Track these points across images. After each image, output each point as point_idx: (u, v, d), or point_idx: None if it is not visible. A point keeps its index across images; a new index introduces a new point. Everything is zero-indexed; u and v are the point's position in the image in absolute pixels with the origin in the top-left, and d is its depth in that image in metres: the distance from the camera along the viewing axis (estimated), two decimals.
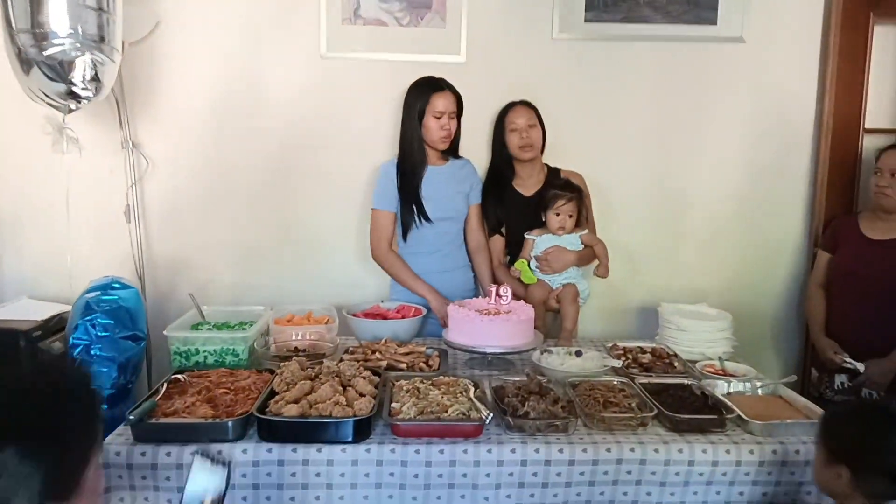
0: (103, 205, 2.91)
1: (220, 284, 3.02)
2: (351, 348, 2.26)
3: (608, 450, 1.65)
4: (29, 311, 2.63)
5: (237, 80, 2.95)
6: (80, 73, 2.23)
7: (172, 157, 2.97)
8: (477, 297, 2.66)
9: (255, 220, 3.04)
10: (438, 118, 2.61)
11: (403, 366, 2.11)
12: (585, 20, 2.97)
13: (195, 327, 2.33)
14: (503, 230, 2.82)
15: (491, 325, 2.17)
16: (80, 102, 2.30)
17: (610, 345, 2.37)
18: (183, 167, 2.98)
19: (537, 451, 1.65)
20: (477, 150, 2.92)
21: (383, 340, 2.29)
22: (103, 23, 2.26)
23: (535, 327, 2.32)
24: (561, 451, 1.65)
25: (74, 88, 2.24)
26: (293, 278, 3.05)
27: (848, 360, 2.55)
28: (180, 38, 2.90)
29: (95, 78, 2.26)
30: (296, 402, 1.71)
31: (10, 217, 2.96)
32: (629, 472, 1.65)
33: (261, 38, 2.93)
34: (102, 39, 2.25)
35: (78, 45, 2.16)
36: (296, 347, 2.24)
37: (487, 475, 1.64)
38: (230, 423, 1.65)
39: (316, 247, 3.07)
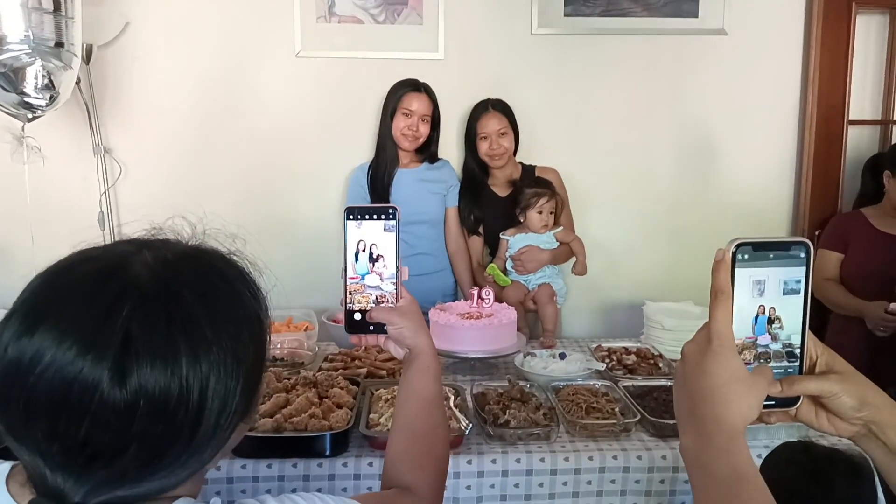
0: (77, 212, 2.84)
1: None
2: (330, 356, 2.21)
3: (590, 458, 1.61)
4: None
5: (210, 81, 2.88)
6: (32, 81, 2.13)
7: (146, 161, 2.91)
8: (457, 300, 2.61)
9: (231, 223, 2.97)
10: (407, 116, 2.57)
11: (384, 373, 2.07)
12: (565, 14, 2.93)
13: None
14: (481, 230, 2.78)
15: (473, 329, 2.13)
16: (35, 112, 2.21)
17: (594, 346, 2.33)
18: (157, 172, 2.91)
19: (518, 460, 1.61)
20: (454, 148, 2.87)
21: (363, 347, 2.24)
22: (61, 26, 2.15)
23: (518, 329, 2.28)
24: (543, 459, 1.61)
25: (27, 98, 2.14)
26: (273, 283, 2.98)
27: None
28: (150, 40, 2.83)
29: (49, 86, 2.16)
30: (270, 415, 1.67)
31: None
32: (613, 482, 1.61)
33: (233, 38, 2.87)
34: (60, 45, 2.14)
35: (30, 51, 2.06)
36: (273, 356, 2.19)
37: (468, 487, 1.60)
38: None
39: (296, 250, 3.01)
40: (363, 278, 1.07)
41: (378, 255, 1.07)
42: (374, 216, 1.06)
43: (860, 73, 2.99)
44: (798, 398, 0.73)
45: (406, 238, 2.64)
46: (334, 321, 2.41)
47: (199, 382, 0.64)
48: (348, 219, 1.06)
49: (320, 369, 2.05)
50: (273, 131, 2.94)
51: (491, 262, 2.74)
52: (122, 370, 0.61)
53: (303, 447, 1.61)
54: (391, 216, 1.06)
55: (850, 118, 2.97)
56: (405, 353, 1.07)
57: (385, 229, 1.06)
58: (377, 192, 2.64)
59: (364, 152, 2.84)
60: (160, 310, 0.65)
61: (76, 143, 2.80)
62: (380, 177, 2.66)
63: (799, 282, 0.71)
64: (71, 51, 2.20)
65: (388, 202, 2.62)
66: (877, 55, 3.03)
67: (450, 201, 2.75)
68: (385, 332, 1.06)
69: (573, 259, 2.61)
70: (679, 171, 3.07)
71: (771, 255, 0.70)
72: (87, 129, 2.77)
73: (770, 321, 0.72)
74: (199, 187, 2.93)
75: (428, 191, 2.71)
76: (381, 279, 1.07)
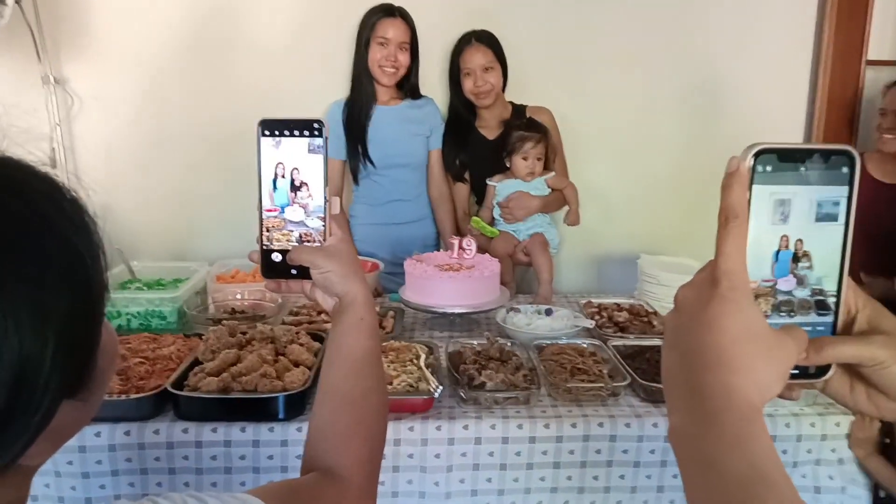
0: (26, 148, 2.62)
1: (160, 238, 2.75)
2: (296, 308, 2.03)
3: (574, 425, 1.45)
4: None
5: (174, 9, 2.63)
6: None
7: (104, 94, 2.69)
8: (438, 251, 2.43)
9: (198, 164, 2.77)
10: (383, 45, 2.34)
11: None
12: None
13: (122, 286, 2.08)
14: (467, 176, 2.57)
15: (451, 282, 1.95)
16: None
17: (584, 301, 2.15)
18: (117, 106, 2.70)
19: (493, 427, 1.44)
20: (437, 86, 2.64)
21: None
22: None
23: (503, 283, 2.10)
24: (521, 426, 1.45)
25: None
26: (241, 230, 2.78)
27: None
28: None
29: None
30: (217, 374, 1.49)
31: None
32: (598, 452, 1.45)
33: None
34: None
35: None
36: (233, 308, 2.01)
37: (437, 456, 1.44)
38: (136, 401, 1.43)
39: None
40: (283, 211, 0.86)
41: (301, 183, 0.85)
42: (296, 132, 0.83)
43: (881, 8, 2.76)
44: (828, 367, 0.52)
45: (384, 182, 2.46)
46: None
47: None
48: (263, 135, 0.84)
49: (283, 323, 1.87)
50: (244, 62, 2.72)
51: (478, 211, 2.54)
52: None
53: (252, 410, 1.45)
54: (317, 133, 0.84)
55: (869, 58, 2.78)
56: (334, 304, 0.87)
57: (310, 150, 0.84)
58: (353, 132, 2.43)
59: (340, 88, 2.61)
60: None
61: (22, 73, 2.56)
62: (356, 115, 2.44)
63: (838, 205, 0.50)
64: None
65: (366, 143, 2.41)
66: None
67: (433, 143, 2.54)
68: (310, 276, 0.85)
69: (566, 208, 2.42)
70: (683, 114, 2.87)
71: (801, 169, 0.50)
72: (33, 56, 2.52)
73: (796, 258, 0.51)
74: (163, 123, 2.71)
75: (409, 132, 2.50)
76: (304, 213, 0.85)
